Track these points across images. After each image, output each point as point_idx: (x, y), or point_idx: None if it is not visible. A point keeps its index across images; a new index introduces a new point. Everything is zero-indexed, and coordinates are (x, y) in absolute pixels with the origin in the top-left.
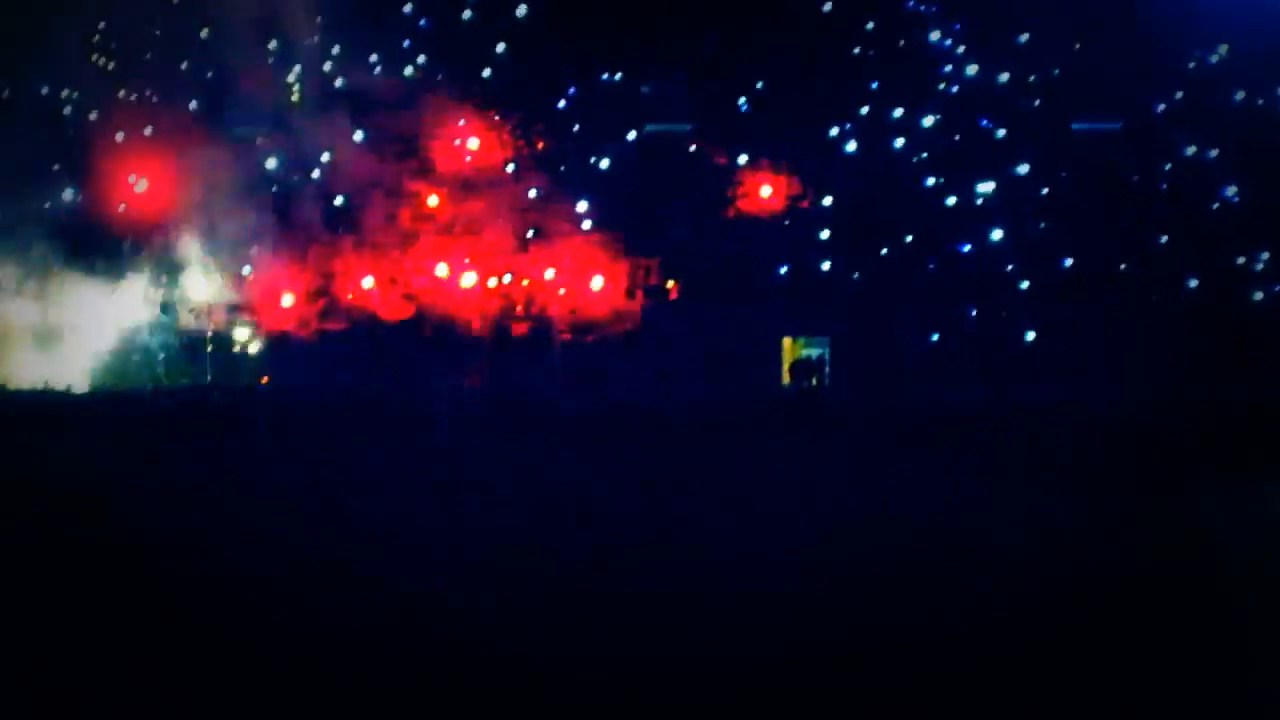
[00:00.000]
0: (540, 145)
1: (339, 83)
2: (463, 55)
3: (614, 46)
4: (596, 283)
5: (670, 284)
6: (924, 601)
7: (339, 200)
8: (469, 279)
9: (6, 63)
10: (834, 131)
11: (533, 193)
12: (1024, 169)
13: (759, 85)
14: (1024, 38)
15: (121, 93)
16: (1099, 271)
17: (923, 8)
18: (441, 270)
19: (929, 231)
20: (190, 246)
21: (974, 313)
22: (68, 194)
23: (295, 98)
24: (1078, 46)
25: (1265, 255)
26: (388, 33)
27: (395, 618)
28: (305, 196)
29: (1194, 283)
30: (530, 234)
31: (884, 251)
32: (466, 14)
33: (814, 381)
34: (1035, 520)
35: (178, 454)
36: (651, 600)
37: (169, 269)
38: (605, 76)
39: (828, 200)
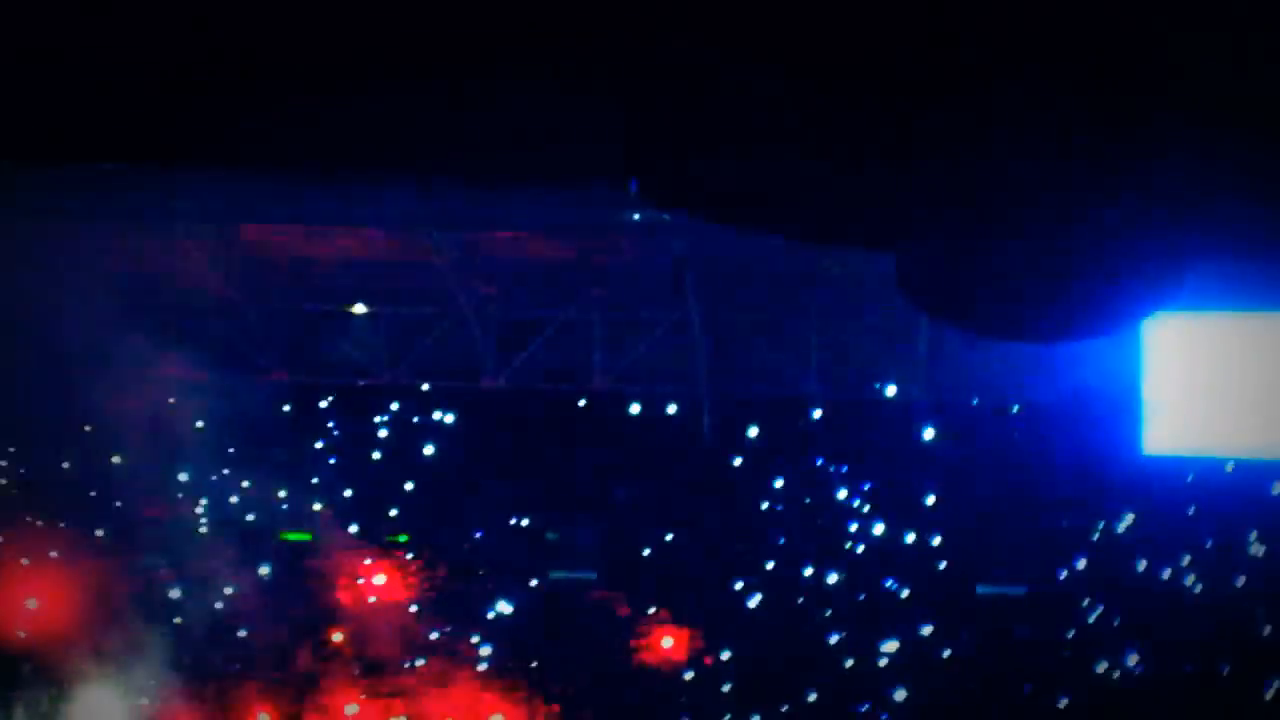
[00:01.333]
0: (445, 586)
1: (249, 518)
2: (371, 493)
3: (524, 491)
4: None
5: None
6: None
7: (240, 634)
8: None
9: None
10: (739, 585)
11: (434, 634)
12: (927, 630)
13: (666, 536)
14: (930, 500)
15: (27, 517)
16: None
17: (831, 467)
18: (339, 711)
19: (831, 689)
20: (88, 676)
21: None
22: None
23: (203, 531)
24: (984, 511)
25: None
26: (298, 469)
27: None
28: (206, 629)
29: None
30: (429, 677)
31: (785, 709)
32: (375, 454)
33: None
34: None
35: None
36: None
37: (64, 694)
38: (514, 521)
39: (728, 655)
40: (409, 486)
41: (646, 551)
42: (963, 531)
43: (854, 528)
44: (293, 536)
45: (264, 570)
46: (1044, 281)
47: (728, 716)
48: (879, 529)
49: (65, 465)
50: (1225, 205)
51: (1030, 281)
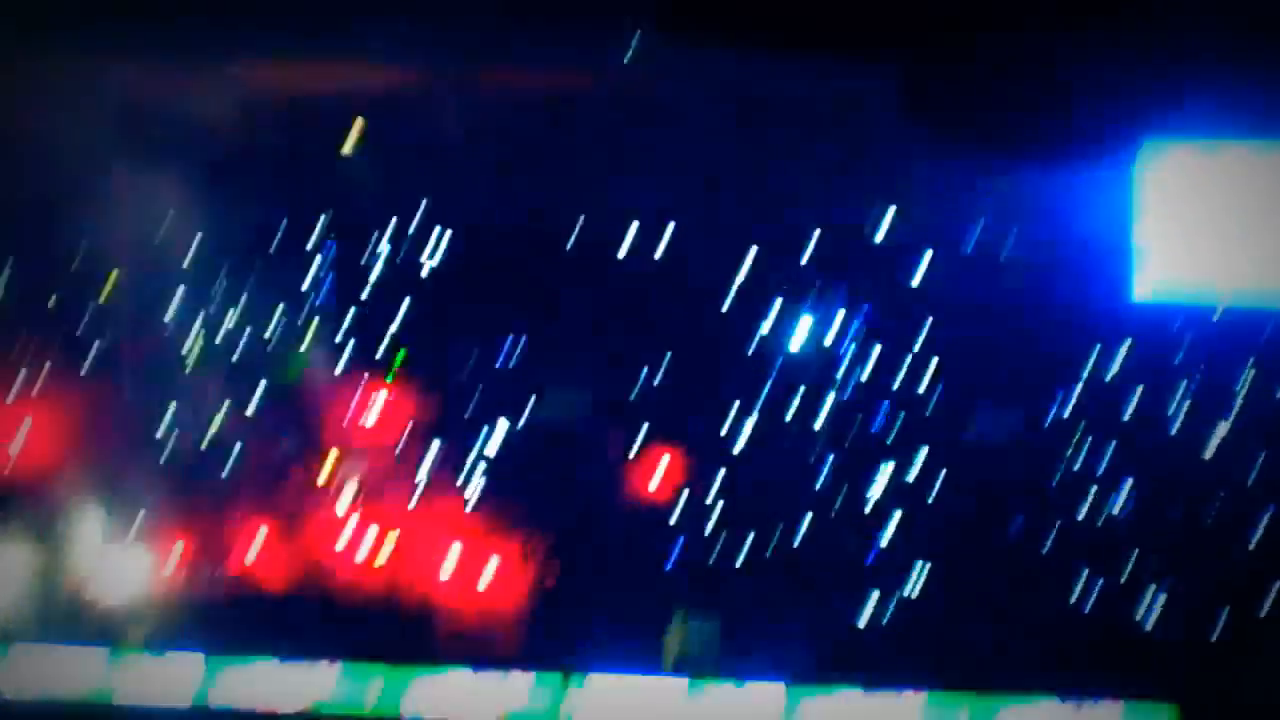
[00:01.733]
0: (435, 420)
1: (242, 349)
2: (362, 326)
3: (515, 322)
4: (489, 558)
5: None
6: None
7: (233, 460)
8: (364, 546)
9: None
10: (725, 427)
11: (427, 468)
12: (917, 468)
13: (660, 368)
14: (919, 343)
15: (18, 342)
16: (994, 565)
17: (822, 306)
18: (334, 535)
19: (822, 527)
20: (83, 498)
21: (869, 598)
22: None
23: (193, 358)
24: (974, 355)
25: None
26: (291, 298)
27: None
28: (199, 457)
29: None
30: (422, 503)
31: (775, 540)
32: (368, 286)
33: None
34: None
35: None
36: None
37: (55, 519)
38: (505, 352)
39: (719, 484)
40: (401, 318)
41: (639, 382)
42: (952, 375)
43: (841, 370)
44: (287, 369)
45: (257, 402)
46: (1047, 96)
47: (719, 547)
48: (869, 370)
49: (57, 296)
50: (1226, 28)
51: (1032, 96)
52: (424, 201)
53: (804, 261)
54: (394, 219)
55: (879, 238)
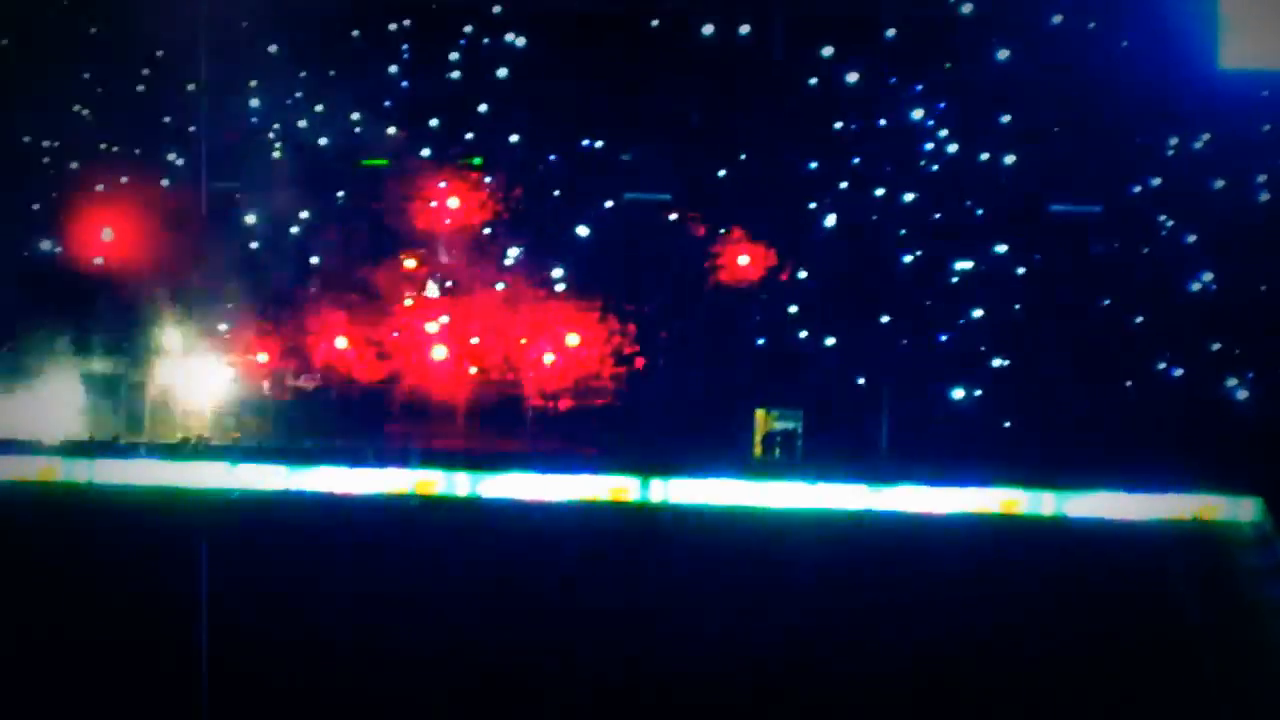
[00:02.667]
0: (519, 209)
1: (321, 141)
2: (444, 116)
3: (596, 113)
4: (571, 343)
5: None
6: None
7: (315, 259)
8: (447, 342)
9: None
10: (813, 205)
11: (511, 256)
12: (1002, 249)
13: (740, 156)
14: (1005, 119)
15: (102, 144)
16: (1075, 352)
17: (906, 86)
18: (419, 332)
19: (906, 308)
20: (164, 300)
21: (951, 391)
22: (44, 243)
23: (276, 154)
24: (1057, 129)
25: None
26: (370, 93)
27: None
28: (282, 254)
29: (1165, 365)
30: (507, 297)
31: (858, 326)
32: (453, 74)
33: (784, 453)
34: None
35: None
36: None
37: (141, 322)
38: (586, 143)
39: (804, 273)
40: (482, 109)
41: (721, 172)
42: (1037, 150)
43: (928, 147)
44: (369, 162)
45: (340, 194)
46: None
47: (803, 333)
48: (953, 148)
49: (140, 89)
50: None
51: None
52: None
53: (888, 39)
54: (469, 5)
55: (965, 10)
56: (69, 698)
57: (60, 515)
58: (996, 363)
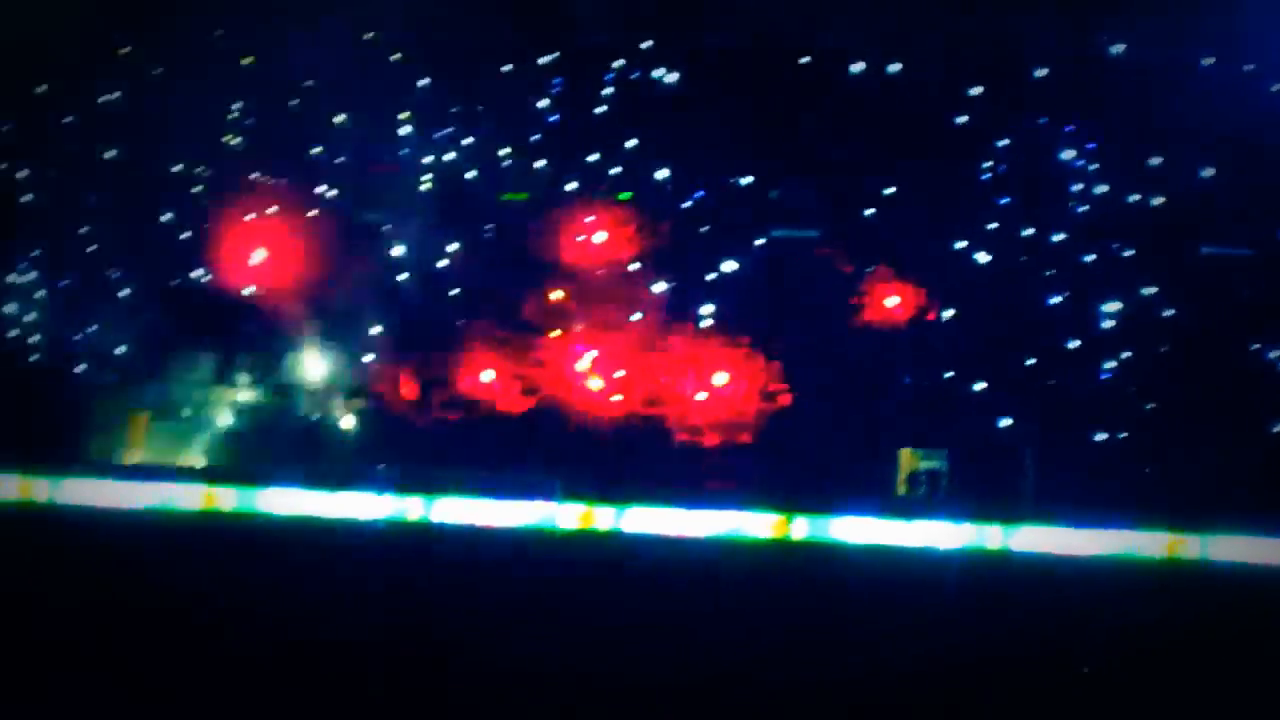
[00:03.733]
0: (666, 244)
1: (469, 175)
2: (593, 150)
3: (744, 149)
4: (716, 379)
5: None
6: None
7: (460, 291)
8: (592, 375)
9: (139, 139)
10: (961, 245)
11: (657, 291)
12: (1150, 290)
13: (888, 193)
14: (1156, 160)
15: (253, 174)
16: (1222, 396)
17: (1055, 126)
18: (565, 366)
19: (1053, 349)
20: (312, 329)
21: (1097, 434)
22: (195, 271)
23: (424, 187)
24: (1208, 171)
25: None
26: (519, 126)
27: None
28: (429, 286)
29: None
30: (652, 332)
31: (1006, 367)
32: (602, 108)
33: (929, 492)
34: None
35: None
36: None
37: (288, 350)
38: (734, 179)
39: (951, 313)
40: (631, 144)
41: (869, 210)
42: (1187, 191)
43: (1077, 188)
44: (511, 196)
45: (488, 227)
46: None
47: (949, 375)
48: (1102, 189)
49: (291, 121)
50: None
51: None
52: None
53: (1037, 78)
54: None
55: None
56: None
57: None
58: (1144, 404)
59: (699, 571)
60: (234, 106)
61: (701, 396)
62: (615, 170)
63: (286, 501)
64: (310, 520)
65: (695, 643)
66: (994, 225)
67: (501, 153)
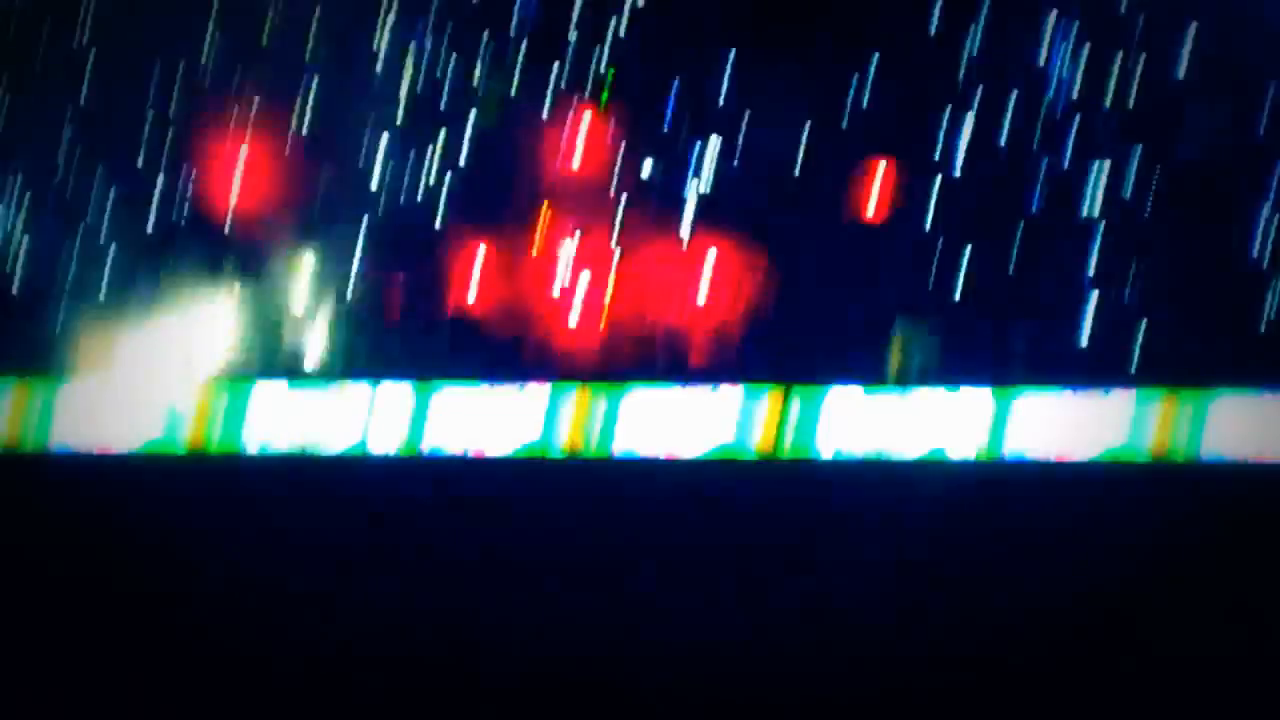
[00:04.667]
0: (648, 139)
1: (449, 79)
2: (577, 49)
3: (723, 44)
4: (707, 267)
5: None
6: None
7: (444, 196)
8: (584, 275)
9: (110, 61)
10: (944, 123)
11: (642, 185)
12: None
13: (870, 79)
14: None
15: (222, 95)
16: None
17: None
18: (554, 268)
19: (1044, 213)
20: (299, 241)
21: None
22: (171, 197)
23: (401, 98)
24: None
25: None
26: (502, 30)
27: None
28: (415, 194)
29: None
30: (639, 225)
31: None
32: (573, 11)
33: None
34: None
35: None
36: None
37: (271, 266)
38: (712, 74)
39: (941, 184)
40: (609, 42)
41: (851, 95)
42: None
43: (1055, 81)
44: (491, 102)
45: (466, 140)
46: None
47: (936, 257)
48: (1069, 78)
49: (264, 38)
50: None
51: None
52: None
53: None
54: None
55: None
56: None
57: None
58: (1137, 269)
59: (695, 486)
60: (202, 32)
61: (693, 286)
62: (590, 70)
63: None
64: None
65: (685, 556)
66: (974, 106)
67: (475, 63)
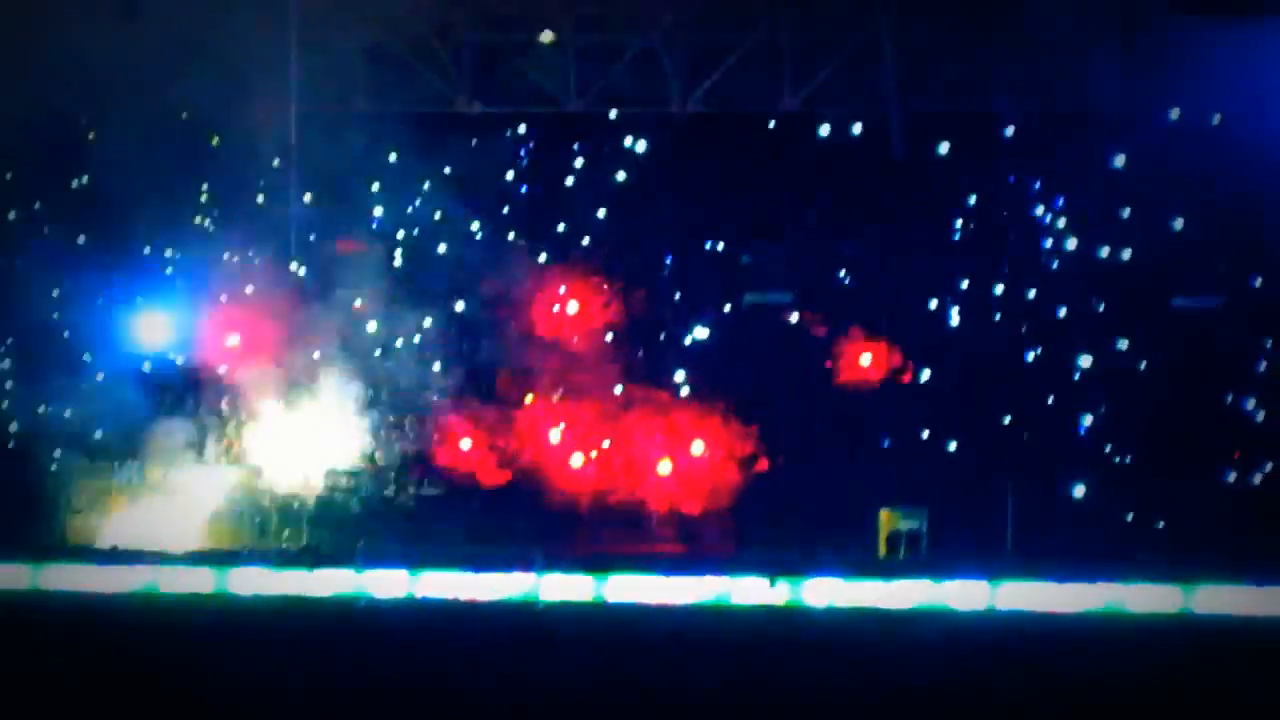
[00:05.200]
0: (639, 312)
1: (440, 249)
2: (563, 221)
3: (715, 214)
4: (695, 450)
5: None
6: None
7: (437, 366)
8: (568, 447)
9: (107, 221)
10: (934, 304)
11: (629, 362)
12: (1124, 344)
13: (859, 255)
14: (1125, 212)
15: (224, 254)
16: (1199, 449)
17: (1024, 184)
18: (541, 436)
19: (1028, 405)
20: (286, 409)
21: (1075, 488)
22: (169, 352)
23: (397, 263)
24: (1179, 222)
25: None
26: (488, 200)
27: None
28: (404, 362)
29: None
30: (627, 403)
31: (981, 427)
32: (568, 180)
33: (909, 552)
34: None
35: None
36: None
37: (264, 430)
38: (706, 245)
39: (927, 372)
40: (600, 214)
41: (841, 272)
42: (1158, 244)
43: (1048, 244)
44: (487, 269)
45: (460, 305)
46: None
47: (925, 434)
48: (1072, 244)
49: (259, 199)
50: None
51: None
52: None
53: (1006, 136)
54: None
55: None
56: None
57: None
58: (1119, 459)
59: (683, 639)
60: (201, 187)
61: (677, 464)
62: (585, 241)
63: (265, 582)
64: (290, 600)
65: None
66: (965, 283)
67: (473, 226)
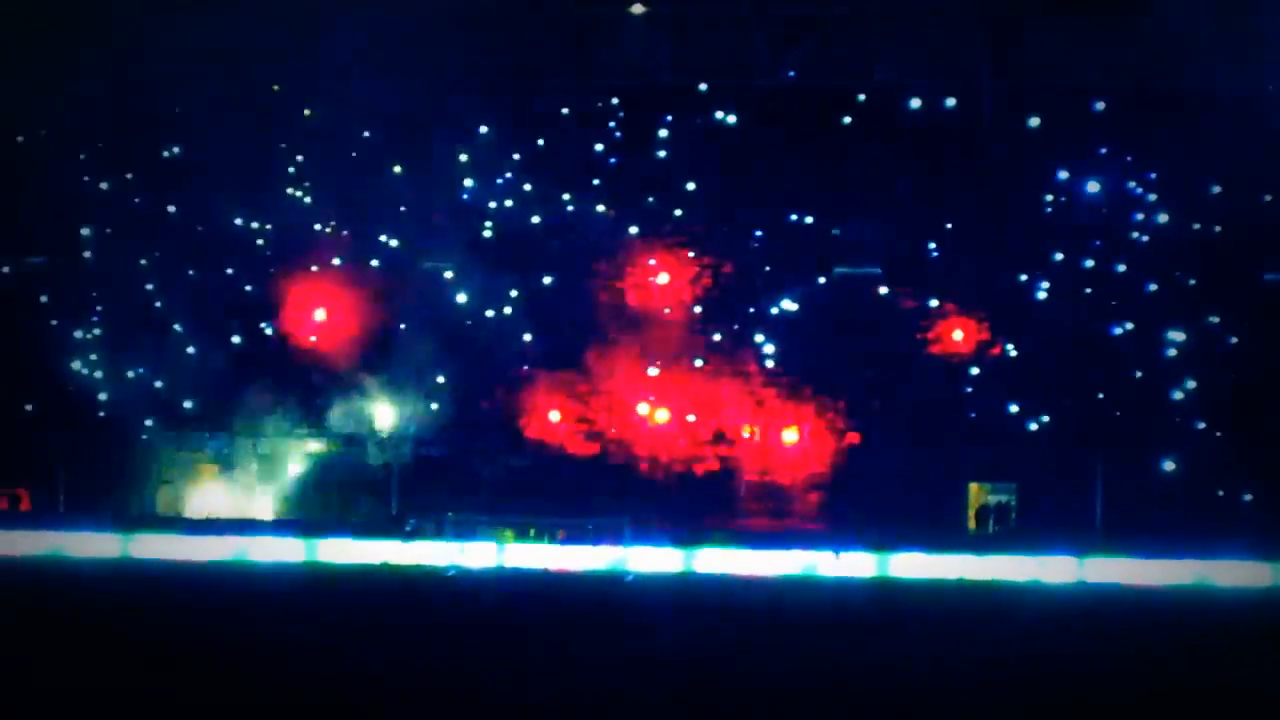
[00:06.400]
0: (729, 285)
1: (533, 219)
2: (653, 193)
3: (805, 188)
4: (782, 419)
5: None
6: None
7: (527, 336)
8: (659, 416)
9: (202, 194)
10: (1024, 278)
11: (719, 335)
12: (1215, 319)
13: (949, 228)
14: (1216, 188)
15: (316, 225)
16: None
17: (1115, 157)
18: (630, 408)
19: (1118, 379)
20: (377, 380)
21: (1165, 463)
22: (260, 323)
23: (487, 234)
24: (1269, 198)
25: None
26: (580, 171)
27: None
28: (494, 331)
29: None
30: (716, 374)
31: (1070, 402)
32: (660, 153)
33: (998, 526)
34: None
35: None
36: None
37: (354, 402)
38: (795, 218)
39: (1015, 347)
40: (690, 187)
41: (931, 245)
42: (1249, 219)
43: (1139, 217)
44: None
45: (549, 277)
46: None
47: (1014, 407)
48: (1163, 218)
49: (351, 172)
50: None
51: None
52: (706, 63)
53: (1097, 110)
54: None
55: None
56: None
57: (278, 593)
58: (1209, 434)
59: (771, 611)
60: (295, 159)
61: (766, 437)
62: (676, 212)
63: (353, 551)
64: (379, 569)
65: (767, 686)
66: (1057, 256)
67: (564, 196)
